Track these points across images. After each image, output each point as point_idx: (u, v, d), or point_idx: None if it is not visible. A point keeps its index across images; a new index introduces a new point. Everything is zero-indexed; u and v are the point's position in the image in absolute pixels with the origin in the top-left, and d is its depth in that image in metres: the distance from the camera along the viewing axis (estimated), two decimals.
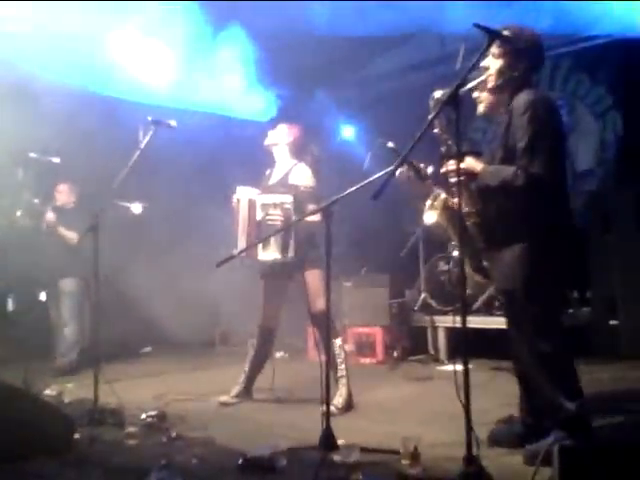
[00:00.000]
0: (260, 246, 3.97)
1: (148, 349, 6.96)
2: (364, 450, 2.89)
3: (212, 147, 6.58)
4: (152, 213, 5.92)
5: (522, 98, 2.84)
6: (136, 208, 5.77)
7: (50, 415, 3.20)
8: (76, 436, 3.28)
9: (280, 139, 4.27)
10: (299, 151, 4.26)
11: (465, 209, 2.97)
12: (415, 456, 2.71)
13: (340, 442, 3.05)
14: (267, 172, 4.37)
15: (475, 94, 2.99)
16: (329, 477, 2.66)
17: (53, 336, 5.85)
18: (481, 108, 3.02)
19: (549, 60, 6.28)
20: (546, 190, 2.79)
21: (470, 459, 2.37)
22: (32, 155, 4.78)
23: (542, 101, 2.85)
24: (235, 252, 3.81)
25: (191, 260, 6.31)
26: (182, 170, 6.46)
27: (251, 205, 4.08)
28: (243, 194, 4.16)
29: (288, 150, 4.26)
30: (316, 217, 3.58)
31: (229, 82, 6.85)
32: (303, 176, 4.14)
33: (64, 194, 5.86)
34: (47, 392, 4.38)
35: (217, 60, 6.40)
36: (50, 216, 5.66)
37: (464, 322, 2.53)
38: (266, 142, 4.32)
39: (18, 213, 5.34)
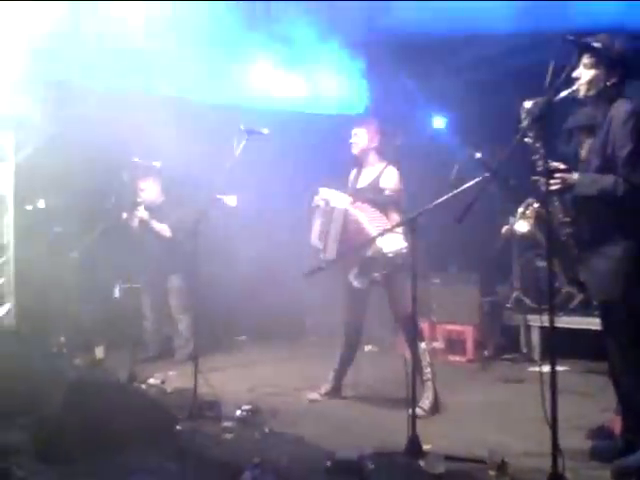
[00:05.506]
0: None
1: (243, 337, 7.23)
2: (450, 458, 2.92)
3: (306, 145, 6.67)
4: (246, 205, 6.05)
5: (622, 107, 2.81)
6: (231, 200, 5.91)
7: (154, 409, 3.46)
8: (178, 428, 3.53)
9: (365, 144, 4.28)
10: (383, 150, 4.30)
11: (559, 219, 2.95)
12: (502, 467, 2.72)
13: (426, 447, 3.11)
14: (352, 173, 4.41)
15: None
16: None
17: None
18: (581, 91, 2.89)
19: None
20: None
21: (555, 478, 2.35)
22: (135, 160, 5.07)
23: None
24: (323, 261, 3.92)
25: (282, 250, 6.47)
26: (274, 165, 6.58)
27: (347, 218, 4.04)
28: (335, 199, 4.15)
29: (375, 152, 4.30)
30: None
31: (321, 77, 6.96)
32: (392, 180, 4.19)
33: (148, 190, 5.78)
34: (151, 381, 4.70)
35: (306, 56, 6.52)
36: (143, 213, 5.68)
37: (551, 324, 2.56)
38: (355, 152, 4.33)
39: (124, 215, 5.57)
